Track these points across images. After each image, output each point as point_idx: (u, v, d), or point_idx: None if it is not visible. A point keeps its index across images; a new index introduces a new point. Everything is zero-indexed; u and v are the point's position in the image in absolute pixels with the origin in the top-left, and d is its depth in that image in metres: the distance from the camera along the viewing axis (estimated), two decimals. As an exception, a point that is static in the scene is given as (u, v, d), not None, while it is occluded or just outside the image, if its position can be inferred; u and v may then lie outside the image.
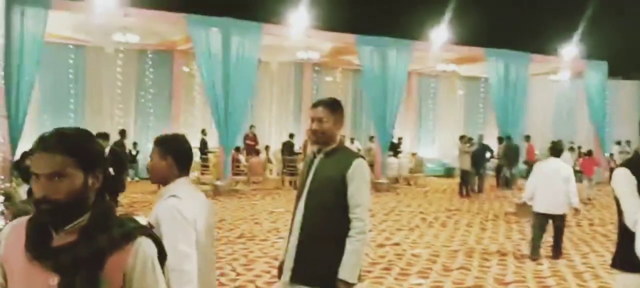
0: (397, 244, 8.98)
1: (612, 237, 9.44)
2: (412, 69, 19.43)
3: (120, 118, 17.33)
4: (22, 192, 8.16)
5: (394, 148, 18.61)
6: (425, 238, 9.53)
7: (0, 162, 10.06)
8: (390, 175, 17.11)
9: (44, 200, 1.61)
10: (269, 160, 17.12)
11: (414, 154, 20.03)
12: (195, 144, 17.31)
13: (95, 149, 1.71)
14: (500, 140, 17.96)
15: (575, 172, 9.48)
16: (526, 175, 17.60)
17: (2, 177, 9.52)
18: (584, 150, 17.86)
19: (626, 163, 3.33)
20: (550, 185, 7.82)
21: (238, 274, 7.00)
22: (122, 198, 10.32)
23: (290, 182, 15.90)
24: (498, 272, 7.43)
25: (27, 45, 11.62)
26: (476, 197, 15.10)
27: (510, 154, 17.18)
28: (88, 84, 17.32)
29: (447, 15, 17.90)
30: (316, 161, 3.32)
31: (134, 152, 16.70)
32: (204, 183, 14.92)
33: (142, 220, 2.51)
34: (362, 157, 3.38)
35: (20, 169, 7.76)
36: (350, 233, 3.15)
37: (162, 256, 1.75)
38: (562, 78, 21.42)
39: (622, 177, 3.20)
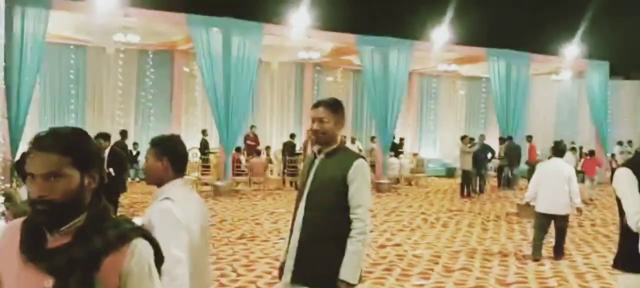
0: (398, 245, 8.96)
1: (614, 237, 9.42)
2: (413, 69, 19.44)
3: (121, 118, 17.34)
4: (22, 192, 8.16)
5: (396, 149, 18.60)
6: (427, 239, 9.51)
7: (0, 163, 10.05)
8: (392, 175, 17.10)
9: (40, 201, 1.59)
10: (269, 161, 17.11)
11: (415, 154, 20.03)
12: (196, 144, 17.35)
13: (91, 149, 1.69)
14: (501, 140, 17.94)
15: (577, 172, 9.46)
16: (528, 175, 17.66)
17: (3, 178, 9.52)
18: (585, 150, 17.83)
19: (628, 163, 3.32)
20: (553, 185, 7.80)
21: (239, 275, 6.98)
22: (123, 198, 10.29)
23: (291, 183, 15.89)
24: (499, 273, 7.41)
25: (28, 46, 11.62)
26: (477, 198, 15.07)
27: (511, 154, 17.15)
28: (89, 84, 17.35)
29: (448, 15, 17.89)
30: (317, 161, 3.31)
31: (134, 153, 16.70)
32: (205, 184, 14.93)
33: (140, 221, 2.49)
34: (363, 157, 3.37)
35: (21, 170, 7.75)
36: (351, 233, 3.14)
37: (158, 258, 1.72)
38: (564, 78, 21.39)
39: (624, 177, 3.19)
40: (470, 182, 15.38)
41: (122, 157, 9.32)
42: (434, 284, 6.85)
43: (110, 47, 16.65)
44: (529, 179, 16.89)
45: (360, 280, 3.24)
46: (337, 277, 3.11)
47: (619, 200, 3.23)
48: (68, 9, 12.50)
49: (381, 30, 16.69)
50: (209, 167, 15.74)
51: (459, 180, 16.29)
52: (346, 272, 3.11)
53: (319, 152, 3.31)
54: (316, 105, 3.30)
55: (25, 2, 11.55)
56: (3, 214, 7.89)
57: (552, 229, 8.17)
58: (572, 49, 19.52)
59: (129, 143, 15.72)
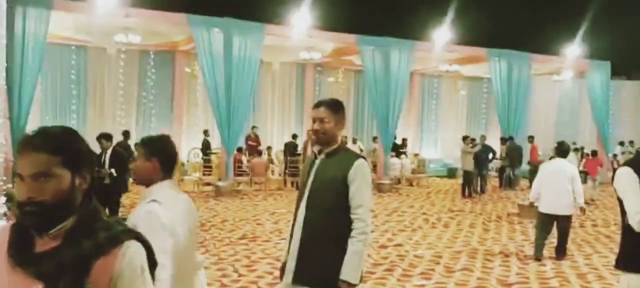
0: (399, 245, 8.95)
1: (615, 238, 9.41)
2: (415, 69, 19.43)
3: (122, 118, 17.34)
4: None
5: (398, 149, 18.60)
6: (428, 239, 9.50)
7: (2, 163, 10.05)
8: (393, 175, 17.10)
9: (29, 202, 1.53)
10: (271, 161, 17.12)
11: (416, 155, 20.02)
12: (197, 144, 17.36)
13: (82, 148, 1.62)
14: (503, 140, 17.92)
15: (580, 172, 9.45)
16: (529, 176, 17.66)
17: (5, 178, 9.51)
18: (586, 150, 17.80)
19: (629, 163, 3.32)
20: (555, 185, 7.81)
21: (240, 275, 6.98)
22: (125, 198, 10.31)
23: (293, 183, 15.89)
24: (501, 273, 7.40)
25: (29, 46, 11.64)
26: (479, 198, 15.06)
27: (513, 155, 17.14)
28: (90, 85, 17.35)
29: (450, 16, 17.90)
30: (317, 162, 3.31)
31: (136, 153, 16.68)
32: (207, 184, 14.94)
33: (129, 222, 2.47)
34: (363, 157, 3.37)
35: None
36: (352, 234, 3.14)
37: (151, 261, 1.65)
38: (565, 78, 21.36)
39: (625, 177, 3.19)
40: (471, 182, 15.37)
41: (124, 157, 9.33)
42: (435, 284, 6.84)
43: (112, 47, 16.65)
44: (530, 180, 17.07)
45: (361, 280, 3.23)
46: (338, 277, 3.11)
47: (620, 200, 3.22)
48: (69, 10, 12.51)
49: (382, 31, 16.68)
50: (210, 167, 15.75)
51: (460, 181, 16.28)
52: (347, 272, 3.11)
53: (320, 152, 3.31)
54: (317, 105, 3.30)
55: (27, 3, 11.56)
56: (4, 215, 7.89)
57: (554, 229, 8.16)
58: (574, 49, 19.50)
59: (131, 143, 15.71)
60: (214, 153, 16.34)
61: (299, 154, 16.59)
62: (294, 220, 3.35)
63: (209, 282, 6.06)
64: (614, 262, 3.44)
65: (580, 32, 19.77)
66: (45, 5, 11.76)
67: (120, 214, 8.90)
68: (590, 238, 9.84)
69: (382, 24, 20.56)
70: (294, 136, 17.53)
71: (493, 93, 19.06)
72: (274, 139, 19.70)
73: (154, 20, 13.96)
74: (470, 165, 15.19)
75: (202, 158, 16.42)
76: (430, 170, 20.07)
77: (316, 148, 3.34)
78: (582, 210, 8.04)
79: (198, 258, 5.02)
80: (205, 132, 17.37)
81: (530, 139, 18.70)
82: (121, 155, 9.35)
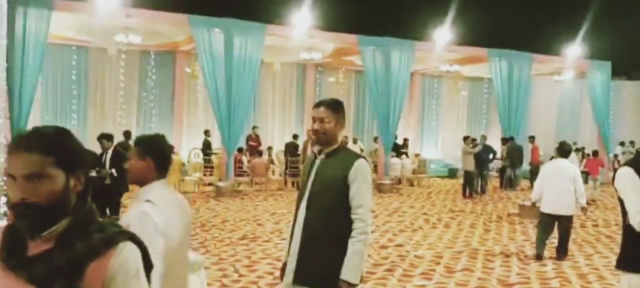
0: (400, 245, 8.95)
1: (616, 238, 9.41)
2: (415, 69, 19.42)
3: (123, 119, 17.36)
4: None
5: (398, 149, 18.60)
6: (429, 240, 9.50)
7: (2, 163, 10.05)
8: (394, 176, 17.09)
9: (22, 204, 1.48)
10: (271, 161, 17.12)
11: (417, 155, 20.01)
12: (198, 144, 17.36)
13: (76, 148, 1.58)
14: (503, 140, 17.91)
15: (581, 172, 9.44)
16: (530, 176, 17.67)
17: (5, 179, 9.53)
18: (587, 151, 17.81)
19: (629, 163, 3.32)
20: (556, 185, 7.82)
21: (241, 275, 6.98)
22: (125, 198, 10.30)
23: (293, 183, 15.88)
24: (501, 274, 7.40)
25: (30, 47, 11.64)
26: (479, 198, 15.06)
27: (513, 155, 17.14)
28: (90, 85, 17.36)
29: (450, 16, 17.89)
30: (317, 162, 3.30)
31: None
32: (209, 184, 14.94)
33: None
34: (364, 157, 3.36)
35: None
36: (353, 234, 3.14)
37: (147, 263, 1.61)
38: (566, 78, 21.35)
39: (626, 176, 3.19)
40: (472, 182, 15.37)
41: (125, 158, 9.30)
42: (436, 285, 6.84)
43: (112, 47, 16.66)
44: (531, 180, 17.08)
45: (362, 281, 3.23)
46: (338, 277, 3.11)
47: (621, 200, 3.22)
48: (69, 10, 12.51)
49: (383, 31, 16.68)
50: (211, 167, 15.76)
51: (460, 181, 16.28)
52: (347, 272, 3.11)
53: (320, 152, 3.30)
54: (317, 105, 3.30)
55: (27, 3, 11.56)
56: (5, 214, 7.89)
57: (555, 230, 8.16)
58: (574, 49, 19.49)
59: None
60: (215, 153, 16.34)
61: (300, 155, 16.59)
62: (294, 220, 3.35)
63: (209, 282, 6.07)
64: (614, 262, 3.44)
65: (581, 32, 19.77)
66: (46, 6, 11.76)
67: (120, 214, 8.90)
68: (591, 239, 9.84)
69: (382, 24, 20.56)
70: (295, 136, 17.52)
71: (493, 93, 19.06)
72: (275, 139, 19.71)
73: (155, 20, 13.97)
74: (471, 166, 15.18)
75: (203, 159, 16.43)
76: (431, 171, 20.07)
77: (316, 149, 3.34)
78: (584, 209, 8.06)
79: (198, 258, 5.04)
80: (206, 132, 17.38)
81: (531, 139, 18.70)
82: (122, 155, 9.34)
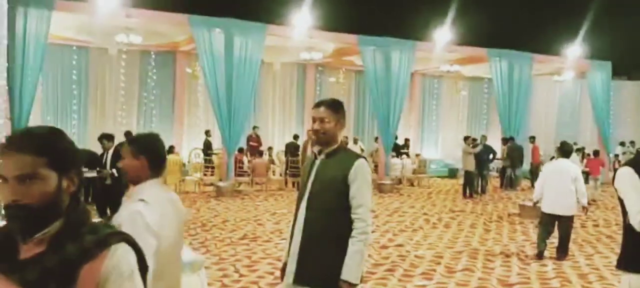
0: (400, 245, 8.95)
1: (616, 238, 9.41)
2: (415, 69, 19.42)
3: (124, 119, 17.36)
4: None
5: (399, 149, 18.60)
6: (429, 240, 9.50)
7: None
8: (394, 176, 17.09)
9: (14, 206, 1.45)
10: (272, 161, 17.13)
11: (417, 155, 20.02)
12: (199, 144, 17.37)
13: (68, 148, 1.54)
14: (504, 141, 17.91)
15: (582, 172, 9.45)
16: (530, 176, 17.67)
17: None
18: (587, 151, 17.80)
19: (630, 163, 3.32)
20: (557, 185, 7.84)
21: (241, 275, 6.99)
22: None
23: (294, 183, 15.88)
24: (502, 274, 7.40)
25: (30, 47, 11.64)
26: (480, 198, 15.06)
27: (514, 155, 17.14)
28: (91, 85, 17.36)
29: (450, 16, 17.90)
30: (317, 162, 3.30)
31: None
32: (210, 184, 14.95)
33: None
34: (364, 157, 3.37)
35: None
36: (353, 234, 3.14)
37: (142, 265, 1.58)
38: (566, 78, 21.35)
39: (626, 176, 3.19)
40: (472, 182, 15.37)
41: (125, 158, 9.32)
42: (436, 285, 6.84)
43: (113, 47, 16.67)
44: (531, 180, 17.08)
45: (362, 281, 3.23)
46: (338, 277, 3.11)
47: (621, 200, 3.22)
48: (70, 10, 12.51)
49: (383, 31, 16.69)
50: (211, 167, 15.77)
51: (461, 181, 16.28)
52: (348, 272, 3.11)
53: (320, 152, 3.30)
54: (317, 105, 3.30)
55: (28, 3, 11.56)
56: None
57: (555, 229, 8.17)
58: (574, 49, 19.49)
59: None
60: (215, 153, 16.35)
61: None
62: (294, 220, 3.34)
63: (209, 282, 6.07)
64: (615, 262, 3.44)
65: (581, 32, 19.78)
66: (47, 6, 11.76)
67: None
68: (592, 239, 9.84)
69: (382, 24, 20.57)
70: (296, 137, 17.52)
71: (494, 93, 19.05)
72: (275, 139, 19.71)
73: (155, 20, 13.97)
74: (471, 166, 15.19)
75: (204, 159, 16.44)
76: (431, 171, 20.07)
77: (316, 149, 3.34)
78: (585, 209, 8.08)
79: (198, 258, 5.04)
80: (207, 133, 17.39)
81: (532, 139, 18.70)
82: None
